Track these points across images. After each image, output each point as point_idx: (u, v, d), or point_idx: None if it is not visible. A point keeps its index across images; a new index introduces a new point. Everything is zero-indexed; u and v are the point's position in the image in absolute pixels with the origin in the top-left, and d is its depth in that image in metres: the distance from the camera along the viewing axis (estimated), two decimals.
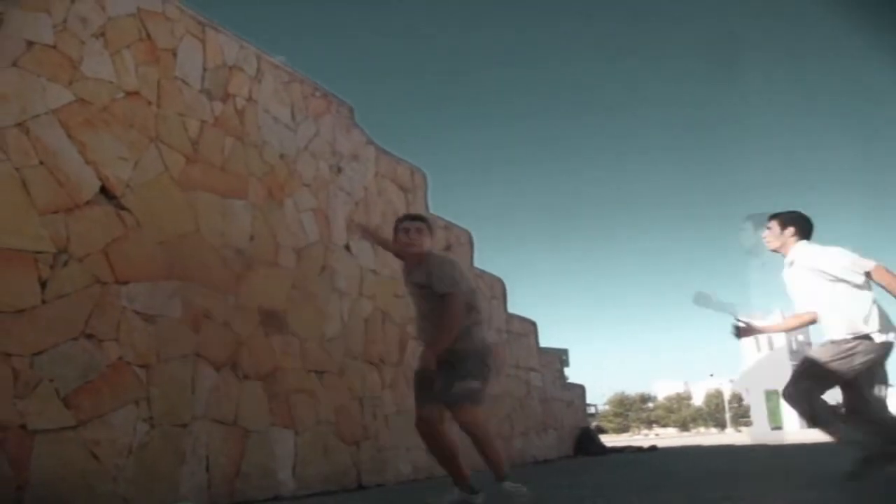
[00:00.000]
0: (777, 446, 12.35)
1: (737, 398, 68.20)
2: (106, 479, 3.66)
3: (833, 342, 3.78)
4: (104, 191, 3.99)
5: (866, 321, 3.71)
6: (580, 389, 11.60)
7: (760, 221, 4.16)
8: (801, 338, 49.01)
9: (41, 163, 3.65)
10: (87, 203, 3.87)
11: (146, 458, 3.89)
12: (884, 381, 3.86)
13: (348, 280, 6.05)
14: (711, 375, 78.24)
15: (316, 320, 5.55)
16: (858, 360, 3.70)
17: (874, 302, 3.76)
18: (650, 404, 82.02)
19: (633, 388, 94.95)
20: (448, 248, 7.92)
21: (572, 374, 13.44)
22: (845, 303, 3.76)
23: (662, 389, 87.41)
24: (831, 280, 3.79)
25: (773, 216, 4.07)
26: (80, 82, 3.94)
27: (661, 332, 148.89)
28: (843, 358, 3.71)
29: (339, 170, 6.25)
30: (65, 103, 3.83)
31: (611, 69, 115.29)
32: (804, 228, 4.00)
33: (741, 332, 4.26)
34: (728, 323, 4.25)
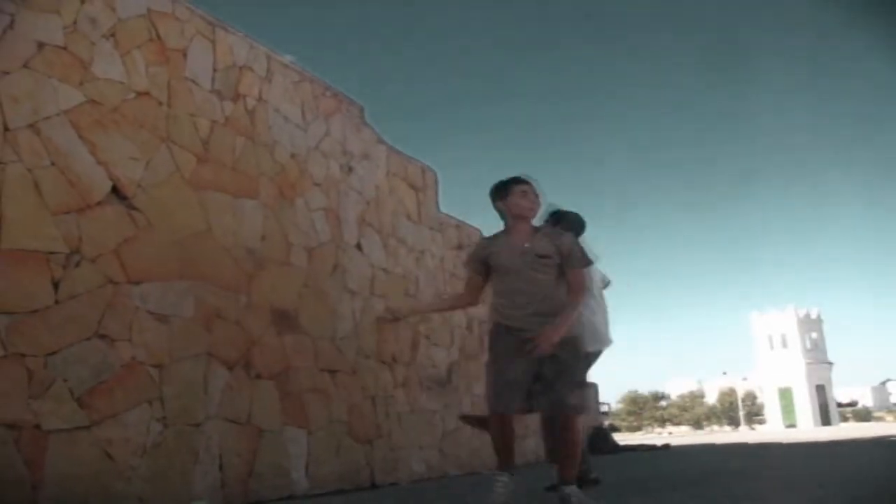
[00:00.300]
0: (791, 444, 12.24)
1: (750, 396, 67.82)
2: (120, 479, 3.67)
3: None
4: (115, 191, 3.99)
5: None
6: (593, 388, 11.55)
7: None
8: (814, 335, 48.72)
9: (53, 163, 3.66)
10: (99, 203, 3.88)
11: (160, 458, 3.90)
12: None
13: (360, 279, 6.05)
14: (725, 373, 77.91)
15: (328, 319, 5.54)
16: None
17: None
18: (663, 402, 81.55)
19: (646, 387, 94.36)
20: (460, 247, 7.90)
21: None
22: None
23: (675, 388, 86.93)
24: None
25: None
26: (90, 83, 3.94)
27: (674, 330, 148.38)
28: None
29: (350, 169, 6.25)
30: (76, 104, 3.84)
31: (630, 72, 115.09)
32: None
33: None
34: None
